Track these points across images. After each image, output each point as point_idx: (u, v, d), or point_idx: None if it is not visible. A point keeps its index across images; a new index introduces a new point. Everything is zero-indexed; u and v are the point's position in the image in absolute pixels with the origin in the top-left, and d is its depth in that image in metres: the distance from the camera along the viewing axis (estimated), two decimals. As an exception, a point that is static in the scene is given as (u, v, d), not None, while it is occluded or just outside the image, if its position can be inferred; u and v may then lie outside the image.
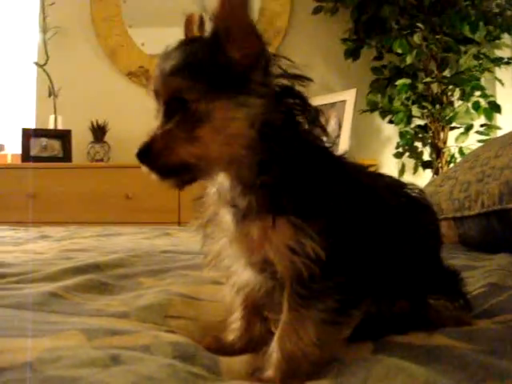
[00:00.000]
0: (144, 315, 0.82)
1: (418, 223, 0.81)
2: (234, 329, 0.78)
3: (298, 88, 0.70)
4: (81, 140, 3.92)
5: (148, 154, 0.67)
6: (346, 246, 0.66)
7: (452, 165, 3.36)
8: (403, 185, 0.84)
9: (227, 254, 0.73)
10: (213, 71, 0.66)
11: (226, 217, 0.71)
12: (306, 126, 0.70)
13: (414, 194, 0.83)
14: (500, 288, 0.97)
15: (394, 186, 0.83)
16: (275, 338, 0.66)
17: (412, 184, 0.85)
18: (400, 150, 3.59)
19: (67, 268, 1.15)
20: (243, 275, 0.73)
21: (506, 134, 1.92)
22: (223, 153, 0.66)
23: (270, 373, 0.64)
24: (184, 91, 0.66)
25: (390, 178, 0.85)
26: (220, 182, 0.72)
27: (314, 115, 0.70)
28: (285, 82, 0.69)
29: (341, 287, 0.65)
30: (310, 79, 0.70)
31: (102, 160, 3.88)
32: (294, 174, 0.67)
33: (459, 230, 1.81)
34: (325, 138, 0.71)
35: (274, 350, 0.65)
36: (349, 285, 0.66)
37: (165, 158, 0.66)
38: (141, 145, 0.67)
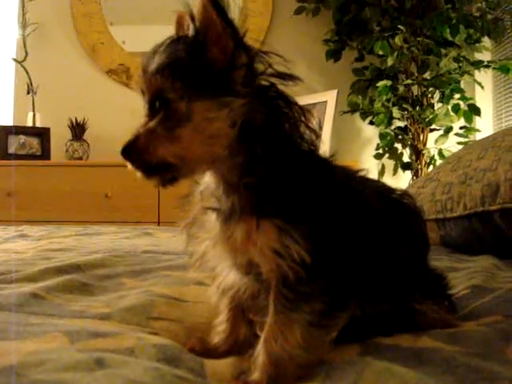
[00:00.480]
0: (127, 317, 0.80)
1: (405, 228, 0.81)
2: (219, 331, 0.78)
3: (282, 87, 0.69)
4: (60, 138, 3.87)
5: (131, 151, 0.68)
6: (331, 249, 0.66)
7: (432, 167, 3.39)
8: (392, 190, 0.84)
9: (212, 255, 0.72)
10: (194, 71, 0.66)
11: (211, 217, 0.70)
12: (289, 126, 0.69)
13: (403, 200, 0.83)
14: (484, 290, 0.98)
15: (383, 191, 0.83)
16: (261, 340, 0.66)
17: (402, 190, 0.85)
18: (380, 151, 3.60)
19: (48, 268, 1.13)
20: (228, 277, 0.73)
21: (489, 137, 1.94)
22: (203, 153, 0.66)
23: (256, 376, 0.64)
24: (166, 90, 0.66)
25: (379, 183, 0.85)
26: (204, 182, 0.71)
27: (299, 114, 0.70)
28: (272, 80, 0.69)
29: (327, 290, 0.65)
30: (297, 78, 0.69)
31: (81, 158, 3.85)
32: (278, 175, 0.66)
33: (441, 232, 1.82)
34: (313, 138, 0.71)
35: (259, 352, 0.65)
36: (335, 287, 0.66)
37: (146, 157, 0.67)
38: (125, 142, 0.68)
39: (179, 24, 0.72)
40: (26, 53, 3.97)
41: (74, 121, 3.86)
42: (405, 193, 0.85)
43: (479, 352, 0.64)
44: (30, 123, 3.90)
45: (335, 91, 3.57)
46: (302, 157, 0.69)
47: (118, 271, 1.17)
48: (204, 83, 0.66)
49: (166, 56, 0.67)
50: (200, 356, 0.68)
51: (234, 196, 0.67)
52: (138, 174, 0.68)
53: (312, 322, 0.64)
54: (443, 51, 3.31)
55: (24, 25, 3.99)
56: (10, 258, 1.34)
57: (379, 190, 0.82)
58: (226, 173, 0.68)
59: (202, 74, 0.66)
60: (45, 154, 3.85)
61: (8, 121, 4.07)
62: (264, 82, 0.69)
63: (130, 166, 0.68)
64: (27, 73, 3.92)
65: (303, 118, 0.70)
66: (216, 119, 0.65)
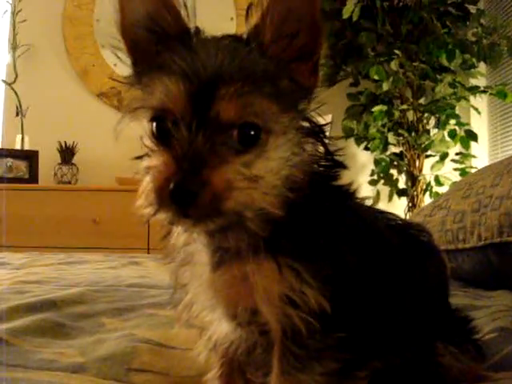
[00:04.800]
0: (104, 368, 0.70)
1: (426, 271, 0.72)
2: None
3: None
4: (48, 161, 3.80)
5: (198, 195, 0.49)
6: (352, 296, 0.56)
7: (428, 193, 3.33)
8: (409, 226, 0.75)
9: (201, 303, 0.62)
10: (283, 90, 0.54)
11: (202, 257, 0.59)
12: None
13: (421, 238, 0.74)
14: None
15: (401, 229, 0.73)
16: None
17: (419, 225, 0.75)
18: (375, 177, 3.55)
19: (18, 305, 1.02)
20: (220, 328, 0.62)
21: (502, 161, 1.82)
22: (277, 199, 0.54)
23: None
24: (258, 115, 0.53)
25: (396, 217, 0.74)
26: None
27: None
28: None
29: (346, 345, 0.55)
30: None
31: (69, 182, 3.77)
32: (300, 214, 0.56)
33: (452, 264, 1.69)
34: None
35: None
36: (353, 341, 0.55)
37: (222, 204, 0.50)
38: (190, 181, 0.50)
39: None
40: (16, 74, 3.91)
41: (63, 144, 3.79)
42: (422, 229, 0.75)
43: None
44: (18, 146, 3.82)
45: (329, 116, 3.51)
46: (332, 197, 0.60)
47: (98, 309, 1.06)
48: (290, 106, 0.55)
49: (252, 71, 0.53)
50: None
51: (231, 232, 0.56)
52: (179, 222, 0.53)
53: None
54: (439, 77, 3.28)
55: (14, 46, 3.94)
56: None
57: (397, 227, 0.72)
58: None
59: (289, 97, 0.55)
60: (32, 177, 3.77)
61: (-4, 143, 3.98)
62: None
63: (170, 211, 0.51)
64: (17, 95, 3.86)
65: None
66: (299, 155, 0.55)
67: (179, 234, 0.61)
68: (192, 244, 0.60)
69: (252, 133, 0.53)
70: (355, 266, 0.57)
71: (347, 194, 0.64)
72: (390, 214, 0.73)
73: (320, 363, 0.54)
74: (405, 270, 0.67)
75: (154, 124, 0.55)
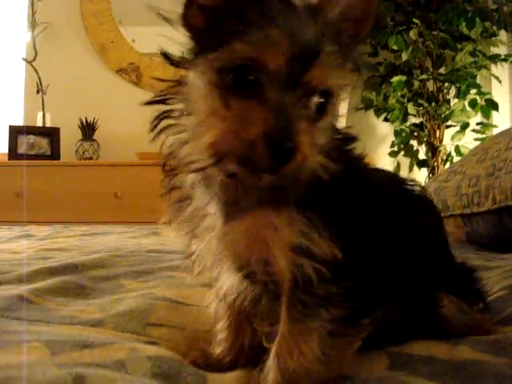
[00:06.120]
0: (122, 323, 0.72)
1: (422, 222, 0.73)
2: (220, 340, 0.69)
3: None
4: (69, 138, 3.83)
5: (290, 157, 0.51)
6: (360, 246, 0.58)
7: (448, 164, 3.30)
8: (403, 181, 0.76)
9: (212, 256, 0.63)
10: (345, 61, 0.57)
11: (212, 210, 0.61)
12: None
13: (416, 193, 0.76)
14: (523, 291, 0.88)
15: (399, 185, 0.75)
16: (272, 354, 0.57)
17: (412, 180, 0.77)
18: (395, 148, 3.53)
19: (41, 268, 1.05)
20: (228, 280, 0.63)
21: (517, 126, 1.82)
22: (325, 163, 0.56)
23: None
24: (337, 84, 0.57)
25: (391, 173, 0.77)
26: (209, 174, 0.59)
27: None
28: None
29: (353, 293, 0.56)
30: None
31: (90, 158, 3.81)
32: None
33: (467, 228, 1.70)
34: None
35: (270, 367, 0.57)
36: (359, 290, 0.57)
37: (304, 166, 0.53)
38: (290, 142, 0.51)
39: None
40: (36, 53, 3.94)
41: (83, 121, 3.82)
42: (415, 183, 0.77)
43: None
44: (39, 123, 3.86)
45: (348, 87, 3.49)
46: (344, 157, 0.61)
47: (118, 272, 1.09)
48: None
49: (334, 38, 0.55)
50: (202, 370, 0.59)
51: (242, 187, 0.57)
52: (261, 177, 0.52)
53: (333, 331, 0.56)
54: (459, 46, 3.23)
55: (33, 25, 3.97)
56: (4, 258, 1.26)
57: (395, 183, 0.75)
58: None
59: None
60: (54, 154, 3.81)
61: (18, 121, 4.04)
62: None
63: (265, 166, 0.51)
64: (37, 73, 3.89)
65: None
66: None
67: (196, 189, 0.62)
68: (205, 198, 0.61)
69: (326, 100, 0.56)
70: (362, 221, 0.59)
71: (357, 158, 0.67)
72: (389, 172, 0.76)
73: (328, 310, 0.56)
74: (403, 222, 0.69)
75: (230, 75, 0.54)
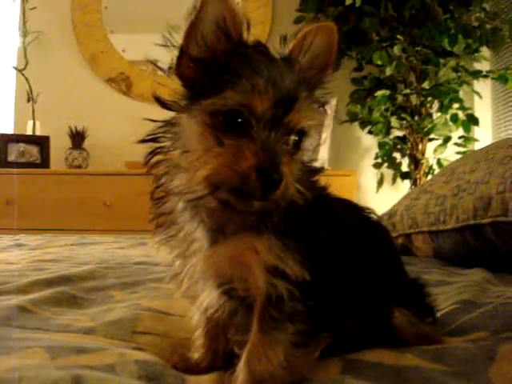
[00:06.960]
0: (112, 331, 0.80)
1: (379, 245, 0.82)
2: (198, 346, 0.77)
3: None
4: (59, 146, 3.88)
5: (277, 186, 0.61)
6: (324, 268, 0.67)
7: (430, 176, 3.39)
8: (361, 209, 0.84)
9: (197, 274, 0.71)
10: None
11: (199, 235, 0.69)
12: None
13: (372, 220, 0.84)
14: (472, 305, 0.97)
15: (357, 212, 0.83)
16: (243, 359, 0.65)
17: (368, 208, 0.85)
18: (379, 160, 3.61)
19: (37, 280, 1.13)
20: (209, 296, 0.71)
21: (482, 149, 1.94)
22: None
23: None
24: (310, 124, 0.67)
25: (352, 202, 0.84)
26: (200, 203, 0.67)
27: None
28: None
29: (313, 311, 0.65)
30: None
31: (80, 166, 3.85)
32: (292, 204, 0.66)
33: (434, 244, 1.82)
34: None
35: (241, 371, 0.64)
36: (322, 308, 0.66)
37: (286, 193, 0.62)
38: (277, 173, 0.60)
39: (299, 43, 0.70)
40: (27, 61, 3.99)
41: (73, 129, 3.86)
42: (371, 211, 0.85)
43: (461, 371, 0.63)
44: (29, 131, 3.90)
45: (334, 100, 3.58)
46: (311, 187, 0.70)
47: (108, 283, 1.17)
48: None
49: (308, 84, 0.67)
50: (182, 372, 0.67)
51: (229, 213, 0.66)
52: (249, 204, 0.61)
53: (297, 342, 0.64)
54: (442, 61, 3.32)
55: (25, 33, 4.01)
56: (2, 269, 1.33)
57: (356, 211, 0.83)
58: None
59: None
60: (44, 162, 3.85)
61: (9, 129, 4.08)
62: None
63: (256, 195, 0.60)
64: (27, 81, 3.94)
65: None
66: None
67: (184, 216, 0.70)
68: (192, 224, 0.70)
69: (300, 137, 0.67)
70: (327, 246, 0.68)
71: (323, 187, 0.76)
72: (349, 201, 0.83)
73: (293, 324, 0.64)
74: (361, 245, 0.77)
75: (222, 117, 0.63)
